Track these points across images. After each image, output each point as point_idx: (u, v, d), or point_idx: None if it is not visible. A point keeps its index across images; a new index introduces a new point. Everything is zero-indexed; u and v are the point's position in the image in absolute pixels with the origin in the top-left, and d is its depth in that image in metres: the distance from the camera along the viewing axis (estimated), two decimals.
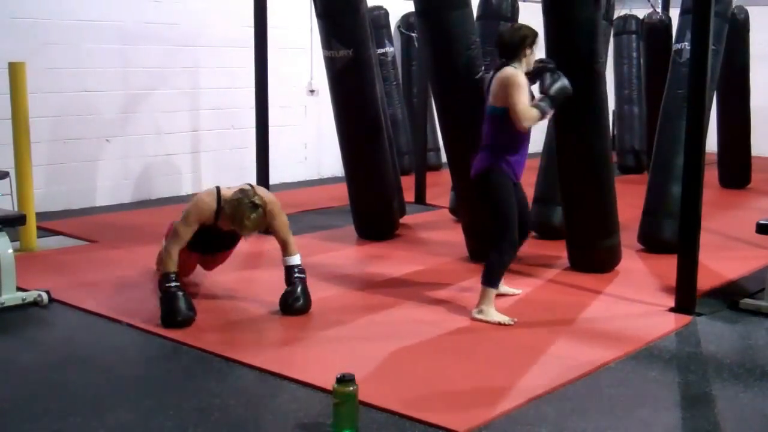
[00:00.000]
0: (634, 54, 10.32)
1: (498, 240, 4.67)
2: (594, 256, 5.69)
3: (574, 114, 5.40)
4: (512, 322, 4.59)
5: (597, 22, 5.29)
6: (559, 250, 5.95)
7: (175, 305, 4.49)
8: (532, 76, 4.77)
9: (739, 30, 8.65)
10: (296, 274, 4.77)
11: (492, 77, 4.69)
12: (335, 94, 6.39)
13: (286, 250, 4.81)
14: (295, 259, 4.81)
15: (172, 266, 4.56)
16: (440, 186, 8.33)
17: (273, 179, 7.07)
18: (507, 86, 4.53)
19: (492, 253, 4.69)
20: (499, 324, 4.57)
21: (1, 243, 4.79)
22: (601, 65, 5.44)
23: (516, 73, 4.56)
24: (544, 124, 6.37)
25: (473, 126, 5.17)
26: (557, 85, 4.69)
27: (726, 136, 9.36)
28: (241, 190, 4.55)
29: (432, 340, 4.39)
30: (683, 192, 4.83)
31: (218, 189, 4.68)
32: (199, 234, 4.73)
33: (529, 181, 7.01)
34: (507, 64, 4.63)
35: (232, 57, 8.59)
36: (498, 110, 4.60)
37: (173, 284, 4.52)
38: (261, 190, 4.73)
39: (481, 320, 4.61)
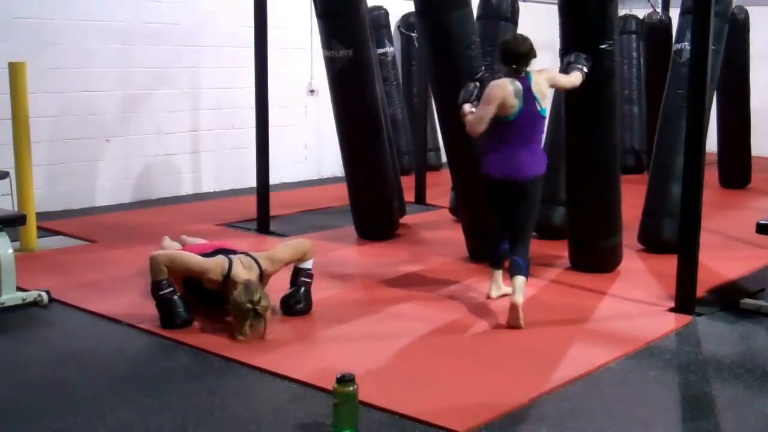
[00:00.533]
0: (634, 54, 10.32)
1: (529, 238, 4.92)
2: (596, 255, 5.69)
3: (587, 111, 5.39)
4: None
5: (612, 20, 5.28)
6: (559, 250, 5.95)
7: (172, 311, 4.49)
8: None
9: (739, 30, 8.64)
10: (302, 278, 4.77)
11: (526, 83, 4.73)
12: (335, 94, 6.39)
13: (302, 259, 4.82)
14: (307, 264, 4.81)
15: (162, 274, 4.51)
16: (440, 186, 8.33)
17: (273, 179, 7.07)
18: (552, 79, 4.87)
19: (525, 251, 4.86)
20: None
21: (1, 243, 4.80)
22: (616, 63, 5.43)
23: (492, 84, 4.78)
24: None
25: None
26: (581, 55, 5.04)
27: (726, 136, 9.36)
28: (246, 288, 4.36)
29: (432, 340, 4.39)
30: (683, 192, 4.83)
31: (231, 265, 4.53)
32: (200, 287, 4.67)
33: None
34: (520, 72, 4.74)
35: (232, 57, 8.59)
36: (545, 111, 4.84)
37: (166, 290, 4.50)
38: (266, 265, 4.64)
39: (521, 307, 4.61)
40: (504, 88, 4.70)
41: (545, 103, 4.81)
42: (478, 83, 5.05)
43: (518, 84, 4.73)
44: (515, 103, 4.71)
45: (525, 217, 4.88)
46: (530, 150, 4.82)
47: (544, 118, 4.84)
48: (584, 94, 5.23)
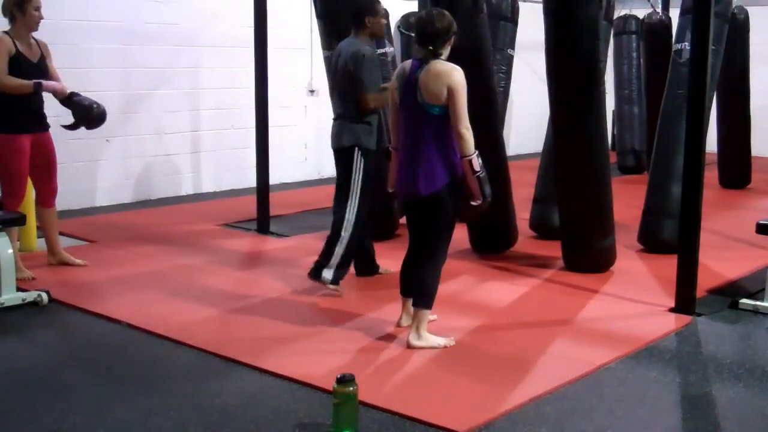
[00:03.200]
0: (634, 54, 10.31)
1: (435, 258, 4.31)
2: (590, 256, 5.68)
3: (574, 114, 5.40)
4: (453, 342, 4.29)
5: (598, 22, 5.29)
6: (558, 250, 5.94)
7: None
8: None
9: (739, 30, 8.64)
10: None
11: (418, 69, 4.15)
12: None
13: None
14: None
15: (25, 84, 5.15)
16: None
17: (273, 179, 7.07)
18: (450, 84, 4.03)
19: (428, 272, 4.31)
20: (444, 347, 4.24)
21: (1, 243, 4.80)
22: (602, 65, 5.44)
23: (456, 68, 4.08)
24: (544, 123, 6.39)
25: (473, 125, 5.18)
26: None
27: (726, 136, 9.36)
28: None
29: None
30: (683, 192, 4.83)
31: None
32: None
33: (529, 181, 7.05)
34: (436, 54, 4.13)
35: (232, 57, 8.58)
36: (444, 110, 4.08)
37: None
38: None
39: (422, 347, 4.22)
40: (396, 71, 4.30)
41: (435, 99, 4.06)
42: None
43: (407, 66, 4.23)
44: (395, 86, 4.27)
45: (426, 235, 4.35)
46: (426, 157, 4.13)
47: (431, 116, 4.10)
48: (573, 96, 5.24)
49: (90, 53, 7.67)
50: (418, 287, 4.34)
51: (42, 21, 5.45)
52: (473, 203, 4.14)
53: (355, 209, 5.03)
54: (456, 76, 4.05)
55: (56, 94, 5.34)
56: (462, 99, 4.04)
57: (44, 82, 5.29)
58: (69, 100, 5.34)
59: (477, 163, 4.07)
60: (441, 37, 4.14)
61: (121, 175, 8.11)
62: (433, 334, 4.29)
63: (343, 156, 5.08)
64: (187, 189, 8.64)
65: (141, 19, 8.01)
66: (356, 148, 4.99)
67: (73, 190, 7.70)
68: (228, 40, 8.56)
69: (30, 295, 4.86)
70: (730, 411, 3.64)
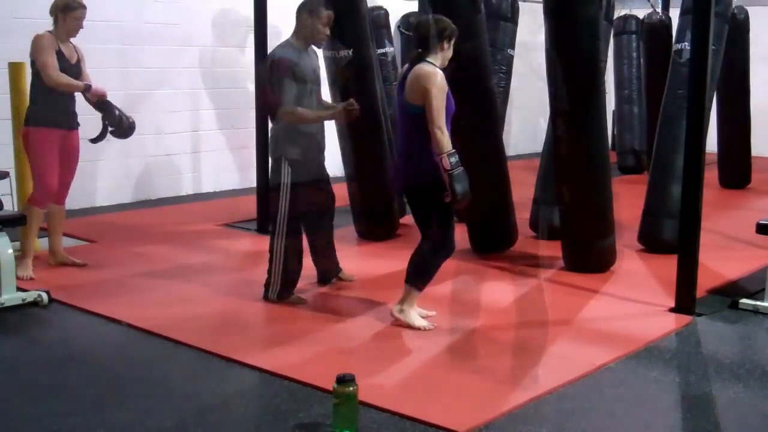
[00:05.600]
0: (634, 54, 10.31)
1: (438, 243, 4.47)
2: (590, 256, 5.68)
3: (574, 114, 5.40)
4: (432, 327, 4.46)
5: (598, 22, 5.30)
6: (558, 250, 5.94)
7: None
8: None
9: (739, 30, 8.65)
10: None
11: (408, 70, 4.37)
12: (335, 95, 6.39)
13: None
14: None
15: (76, 84, 5.31)
16: None
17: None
18: (425, 86, 4.22)
19: (427, 253, 4.49)
20: (420, 329, 4.43)
21: (1, 243, 4.80)
22: (602, 65, 5.44)
23: (435, 72, 4.26)
24: (544, 123, 6.40)
25: (472, 126, 5.18)
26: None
27: (726, 136, 9.36)
28: None
29: (432, 339, 4.39)
30: (683, 192, 4.83)
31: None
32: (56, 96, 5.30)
33: (529, 181, 7.05)
34: (424, 57, 4.33)
35: (231, 57, 8.59)
36: (420, 109, 4.26)
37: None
38: None
39: (401, 321, 4.46)
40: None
41: (413, 98, 4.29)
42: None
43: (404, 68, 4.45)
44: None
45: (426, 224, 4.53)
46: (413, 152, 4.38)
47: (412, 116, 4.32)
48: (573, 96, 5.24)
49: (90, 53, 7.62)
50: (412, 263, 4.54)
51: (42, 21, 5.48)
52: (446, 200, 4.30)
53: (285, 220, 4.83)
54: (432, 78, 4.23)
55: (98, 97, 5.39)
56: (435, 101, 4.21)
57: (93, 86, 5.37)
58: (104, 104, 5.40)
59: (447, 161, 4.21)
60: (430, 41, 4.33)
61: (121, 175, 8.11)
62: (419, 316, 4.48)
63: (273, 165, 4.94)
64: (187, 189, 8.64)
65: (141, 19, 8.01)
66: (282, 159, 4.84)
67: (73, 190, 7.64)
68: (228, 40, 8.56)
69: (30, 295, 4.86)
70: (730, 411, 3.64)
